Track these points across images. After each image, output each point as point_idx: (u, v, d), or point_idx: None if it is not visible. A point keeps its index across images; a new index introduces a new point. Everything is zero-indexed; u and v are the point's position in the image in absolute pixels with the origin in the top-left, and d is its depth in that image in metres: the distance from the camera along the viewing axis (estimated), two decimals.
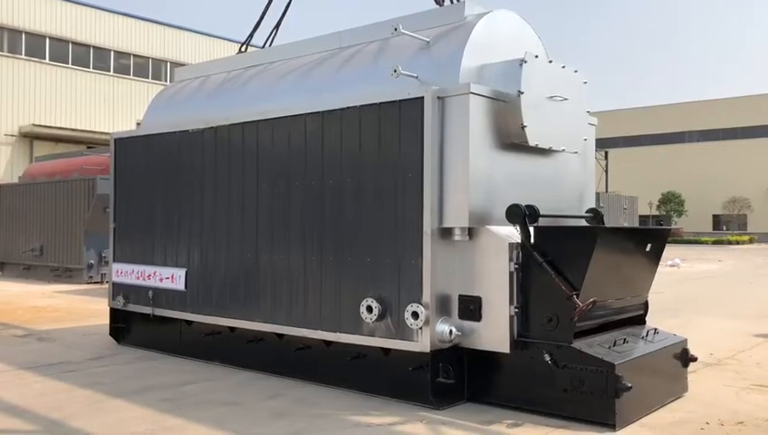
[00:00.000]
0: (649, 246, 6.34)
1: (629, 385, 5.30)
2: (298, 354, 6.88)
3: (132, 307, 8.54)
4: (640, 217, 43.95)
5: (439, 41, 6.52)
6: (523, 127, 6.09)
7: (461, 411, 5.79)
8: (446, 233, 5.94)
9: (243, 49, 9.12)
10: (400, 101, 6.07)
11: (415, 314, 5.84)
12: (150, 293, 8.21)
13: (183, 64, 39.15)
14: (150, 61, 38.42)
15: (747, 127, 64.83)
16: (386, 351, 6.21)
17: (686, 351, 6.47)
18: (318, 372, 6.75)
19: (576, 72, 6.75)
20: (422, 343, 5.84)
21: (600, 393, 5.37)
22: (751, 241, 56.06)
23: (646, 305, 6.79)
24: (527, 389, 5.75)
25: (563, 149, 6.63)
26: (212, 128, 7.68)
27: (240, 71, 8.48)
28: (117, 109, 36.38)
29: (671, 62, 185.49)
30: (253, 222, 7.24)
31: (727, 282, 19.90)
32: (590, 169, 7.44)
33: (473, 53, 6.26)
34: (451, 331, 5.87)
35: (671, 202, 64.43)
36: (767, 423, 5.52)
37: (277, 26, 9.09)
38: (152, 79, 38.24)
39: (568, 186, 7.06)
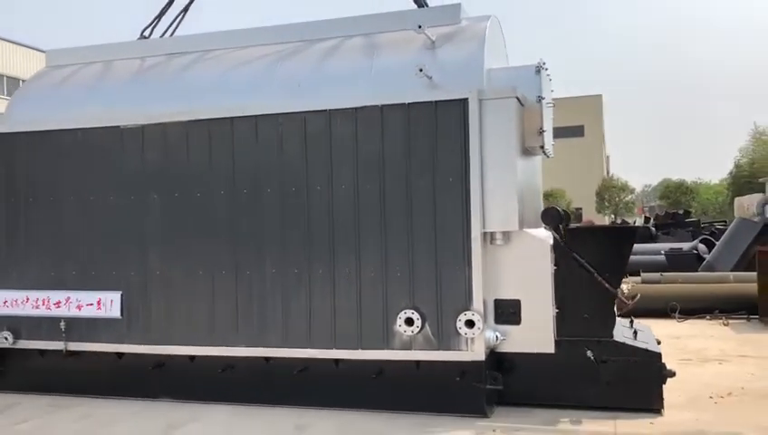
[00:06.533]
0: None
1: (674, 371, 5.77)
2: (296, 378, 6.18)
3: (26, 344, 6.86)
4: None
5: (447, 42, 6.35)
6: (542, 132, 6.24)
7: (512, 416, 5.75)
8: (485, 238, 5.84)
9: (147, 35, 7.83)
10: (437, 102, 5.82)
11: (470, 323, 5.66)
12: (62, 324, 6.68)
13: None
14: None
15: None
16: (416, 364, 5.91)
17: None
18: (321, 396, 6.14)
19: (551, 79, 7.08)
20: (476, 352, 5.68)
21: (646, 382, 5.75)
22: None
23: None
24: (568, 387, 5.91)
25: (550, 154, 6.92)
26: (159, 124, 6.51)
27: (159, 58, 7.29)
28: None
29: None
30: (225, 230, 6.32)
31: None
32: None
33: (488, 56, 6.24)
34: (497, 336, 5.81)
35: None
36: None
37: (185, 10, 8.00)
38: None
39: (537, 189, 7.38)
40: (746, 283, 11.27)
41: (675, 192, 62.25)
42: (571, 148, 49.60)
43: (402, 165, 5.91)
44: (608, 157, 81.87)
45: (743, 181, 47.88)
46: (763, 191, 38.55)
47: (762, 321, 10.30)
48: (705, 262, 14.73)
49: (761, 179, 41.44)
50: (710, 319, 10.56)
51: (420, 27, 6.04)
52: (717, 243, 15.69)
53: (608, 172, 73.53)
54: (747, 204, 41.94)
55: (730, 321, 10.39)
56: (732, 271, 12.92)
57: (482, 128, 5.81)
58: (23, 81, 41.99)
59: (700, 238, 17.04)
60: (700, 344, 8.70)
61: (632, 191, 66.18)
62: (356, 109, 6.01)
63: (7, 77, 41.84)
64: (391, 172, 5.93)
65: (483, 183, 5.78)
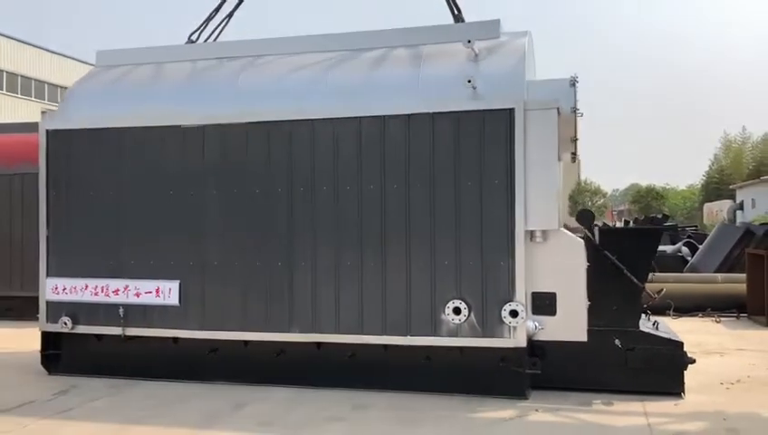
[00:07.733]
0: None
1: (694, 359, 6.41)
2: (347, 362, 6.69)
3: (85, 329, 7.26)
4: None
5: (489, 55, 6.90)
6: (575, 140, 6.84)
7: (548, 398, 6.31)
8: (526, 235, 6.41)
9: (194, 39, 8.25)
10: (485, 110, 6.38)
11: (514, 313, 6.22)
12: (121, 310, 7.10)
13: None
14: None
15: None
16: (460, 350, 6.47)
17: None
18: (370, 379, 6.66)
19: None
20: (518, 340, 6.25)
21: (670, 368, 6.38)
22: None
23: None
24: (597, 372, 6.50)
25: (579, 160, 7.52)
26: (220, 125, 6.96)
27: (211, 61, 7.73)
28: None
29: None
30: (282, 225, 6.80)
31: None
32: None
33: (527, 69, 6.81)
34: (536, 325, 6.38)
35: None
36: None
37: (229, 16, 8.43)
38: None
39: (561, 191, 7.96)
40: (734, 283, 12.04)
41: (645, 196, 63.84)
42: None
43: (451, 168, 6.45)
44: (579, 161, 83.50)
45: (712, 187, 49.41)
46: (734, 198, 39.97)
47: (750, 318, 11.06)
48: (688, 264, 15.53)
49: (731, 186, 42.88)
50: (702, 317, 11.29)
51: (469, 42, 6.59)
52: (700, 246, 16.52)
53: (579, 176, 75.05)
54: (716, 210, 43.16)
55: (721, 318, 11.13)
56: (715, 272, 13.69)
57: (526, 135, 6.37)
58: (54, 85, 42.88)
59: (683, 241, 17.85)
60: (699, 339, 9.38)
61: (604, 195, 67.80)
62: (409, 115, 6.54)
63: (35, 81, 43.44)
64: (440, 174, 6.47)
65: (526, 186, 6.35)
